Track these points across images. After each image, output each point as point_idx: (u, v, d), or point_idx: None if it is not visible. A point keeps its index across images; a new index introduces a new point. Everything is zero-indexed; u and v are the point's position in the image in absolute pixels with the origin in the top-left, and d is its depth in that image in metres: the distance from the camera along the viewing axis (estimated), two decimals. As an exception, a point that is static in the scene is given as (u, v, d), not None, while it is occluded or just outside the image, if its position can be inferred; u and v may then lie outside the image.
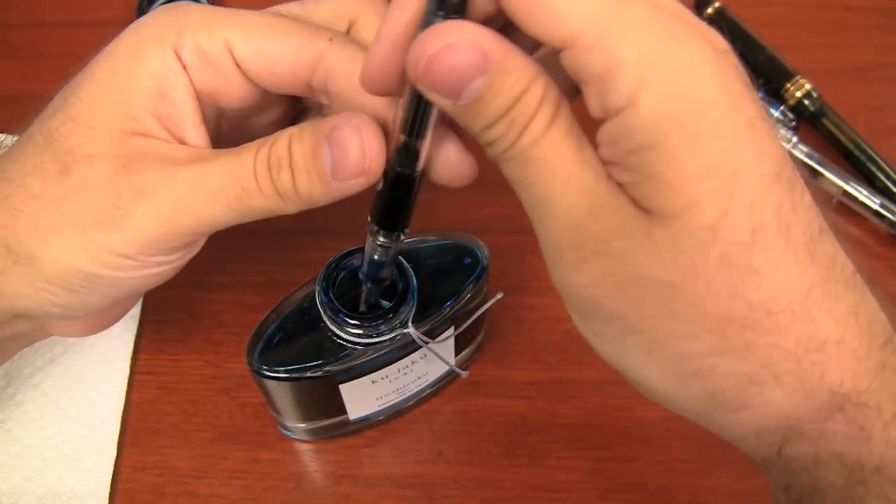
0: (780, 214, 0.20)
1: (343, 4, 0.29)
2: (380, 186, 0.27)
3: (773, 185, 0.20)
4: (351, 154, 0.25)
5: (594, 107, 0.21)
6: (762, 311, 0.21)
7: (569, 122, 0.22)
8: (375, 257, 0.29)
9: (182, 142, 0.28)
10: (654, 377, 0.23)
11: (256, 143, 0.27)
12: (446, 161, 0.26)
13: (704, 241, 0.20)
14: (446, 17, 0.21)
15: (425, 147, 0.25)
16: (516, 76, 0.21)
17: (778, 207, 0.20)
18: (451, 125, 0.26)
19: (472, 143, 0.26)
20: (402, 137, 0.24)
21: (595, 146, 0.22)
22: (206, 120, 0.29)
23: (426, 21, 0.21)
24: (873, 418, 0.21)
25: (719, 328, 0.21)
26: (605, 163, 0.22)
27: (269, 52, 0.27)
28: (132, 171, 0.27)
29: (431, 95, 0.22)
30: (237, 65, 0.28)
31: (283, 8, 0.29)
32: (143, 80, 0.27)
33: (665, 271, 0.21)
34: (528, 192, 0.22)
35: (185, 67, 0.28)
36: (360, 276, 0.31)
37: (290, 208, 0.27)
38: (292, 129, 0.27)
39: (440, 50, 0.20)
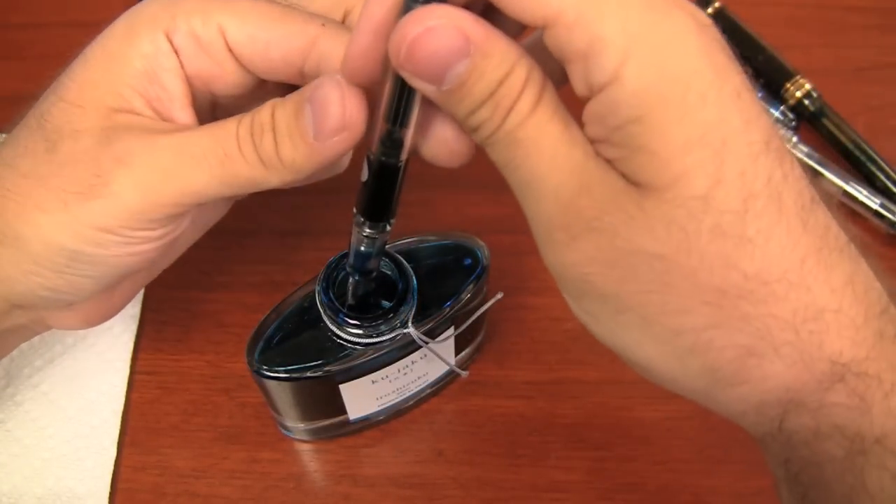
0: (770, 183, 0.20)
1: None
2: (364, 177, 0.26)
3: (763, 154, 0.20)
4: (331, 110, 0.25)
5: (579, 85, 0.21)
6: (757, 281, 0.20)
7: (554, 102, 0.22)
8: (362, 249, 0.29)
9: (171, 122, 0.28)
10: (652, 356, 0.22)
11: (241, 114, 0.27)
12: (442, 139, 0.25)
13: (696, 212, 0.20)
14: (427, 2, 0.21)
15: (409, 136, 0.25)
16: (499, 58, 0.21)
17: (769, 176, 0.20)
18: None
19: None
20: (386, 126, 0.24)
21: (581, 126, 0.22)
22: (200, 107, 0.29)
23: (406, 6, 0.21)
24: (874, 388, 0.21)
25: (715, 300, 0.21)
26: (592, 141, 0.22)
27: (261, 37, 0.28)
28: (115, 141, 0.27)
29: (414, 82, 0.21)
30: (230, 50, 0.28)
31: None
32: (134, 61, 0.27)
33: (658, 244, 0.21)
34: (516, 174, 0.22)
35: (176, 52, 0.28)
36: (347, 268, 0.31)
37: (275, 178, 0.27)
38: (276, 99, 0.27)
39: (421, 34, 0.20)
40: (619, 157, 0.21)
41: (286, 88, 0.31)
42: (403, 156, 0.25)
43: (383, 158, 0.25)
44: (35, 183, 0.27)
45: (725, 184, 0.20)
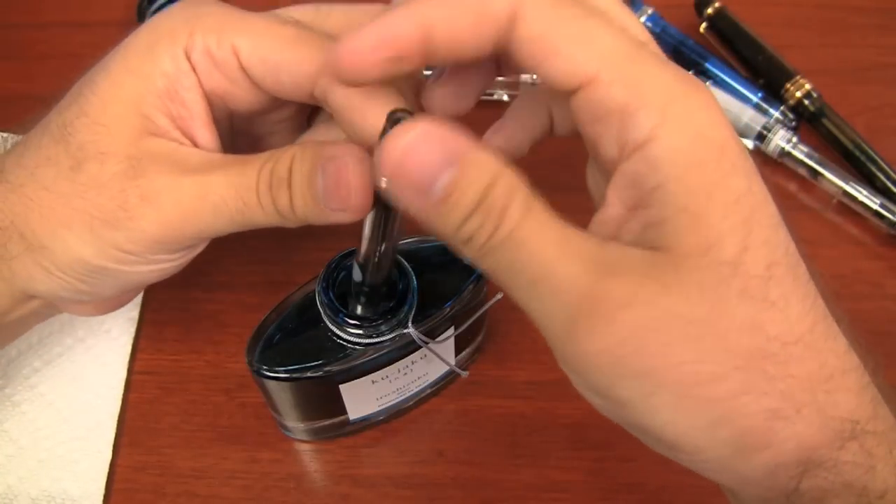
0: (787, 254, 0.22)
1: (354, 13, 0.30)
2: (357, 278, 0.30)
3: (780, 226, 0.22)
4: (340, 189, 0.26)
5: (610, 147, 0.22)
6: (779, 343, 0.21)
7: (545, 205, 0.21)
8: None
9: (193, 141, 0.29)
10: (682, 431, 0.22)
11: (262, 157, 0.28)
12: None
13: (726, 276, 0.21)
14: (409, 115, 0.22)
15: (389, 257, 0.27)
16: (485, 166, 0.21)
17: (786, 247, 0.22)
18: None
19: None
20: (369, 251, 0.27)
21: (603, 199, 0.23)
22: (217, 118, 0.30)
23: (391, 120, 0.22)
24: (881, 445, 0.22)
25: (744, 364, 0.21)
26: (623, 208, 0.22)
27: (272, 60, 0.28)
28: (141, 175, 0.28)
29: (403, 195, 0.21)
30: (243, 69, 0.29)
31: (297, 11, 0.30)
32: (156, 80, 0.28)
33: (693, 308, 0.21)
34: (521, 277, 0.21)
35: (194, 69, 0.28)
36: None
37: (290, 224, 0.28)
38: (296, 149, 0.27)
39: (410, 144, 0.20)
40: (653, 222, 0.21)
41: (303, 106, 0.31)
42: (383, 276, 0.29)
43: (366, 289, 0.28)
44: (58, 199, 0.28)
45: (752, 251, 0.21)
